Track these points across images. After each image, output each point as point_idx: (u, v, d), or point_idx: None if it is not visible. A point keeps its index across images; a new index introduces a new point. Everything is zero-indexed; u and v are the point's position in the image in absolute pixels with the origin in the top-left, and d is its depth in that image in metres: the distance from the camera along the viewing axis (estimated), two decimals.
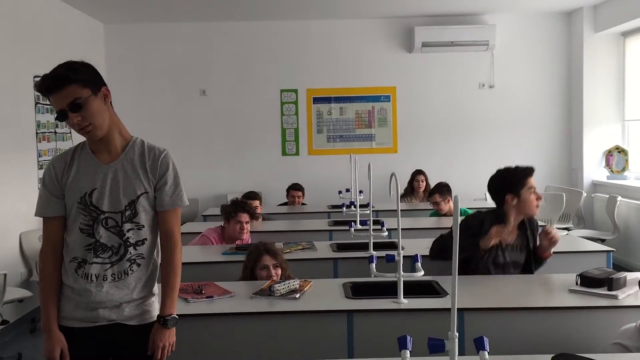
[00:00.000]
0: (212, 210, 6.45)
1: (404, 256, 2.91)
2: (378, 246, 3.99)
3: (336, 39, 8.01)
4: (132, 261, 2.22)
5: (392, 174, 2.93)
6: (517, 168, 3.49)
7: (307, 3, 7.11)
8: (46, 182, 2.22)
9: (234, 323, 2.77)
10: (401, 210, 6.31)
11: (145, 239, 2.25)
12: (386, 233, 3.97)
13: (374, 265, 2.91)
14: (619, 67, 7.62)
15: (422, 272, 2.81)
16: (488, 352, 1.71)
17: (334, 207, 6.52)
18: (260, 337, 2.76)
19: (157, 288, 2.32)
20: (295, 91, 8.09)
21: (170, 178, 2.26)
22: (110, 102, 2.22)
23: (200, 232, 4.80)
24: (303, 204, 7.14)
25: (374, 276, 2.89)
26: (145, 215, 2.24)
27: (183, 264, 3.88)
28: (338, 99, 8.09)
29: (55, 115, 2.12)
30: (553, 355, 2.14)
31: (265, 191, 7.99)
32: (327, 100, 8.09)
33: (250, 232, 4.79)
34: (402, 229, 4.83)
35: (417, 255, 2.86)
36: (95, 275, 2.17)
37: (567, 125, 8.06)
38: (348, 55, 8.02)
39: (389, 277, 2.84)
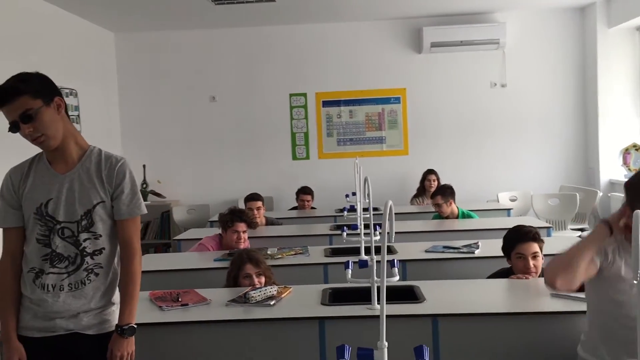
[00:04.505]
0: None
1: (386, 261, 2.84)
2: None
3: (344, 42, 7.96)
4: (90, 271, 2.22)
5: (366, 178, 2.88)
6: (516, 229, 3.35)
7: (314, 7, 7.08)
8: (4, 193, 2.24)
9: (206, 331, 2.75)
10: (410, 212, 6.30)
11: (103, 249, 2.25)
12: (378, 237, 3.89)
13: (349, 271, 2.84)
14: (635, 63, 7.39)
15: (397, 277, 2.73)
16: None
17: (341, 210, 6.46)
18: (233, 344, 2.74)
19: (118, 297, 2.32)
20: (305, 95, 8.05)
21: (127, 187, 2.26)
22: (66, 112, 2.23)
23: (200, 239, 4.80)
24: (313, 207, 7.11)
25: (349, 282, 2.84)
26: (102, 224, 2.24)
27: (176, 270, 3.96)
28: (347, 102, 8.03)
29: (8, 127, 2.14)
30: None
31: (276, 196, 8.01)
32: (337, 103, 8.03)
33: (251, 237, 4.77)
34: (402, 232, 4.87)
35: (394, 260, 2.80)
36: (52, 285, 2.18)
37: (583, 123, 7.86)
38: (356, 58, 7.96)
39: (362, 283, 2.79)
